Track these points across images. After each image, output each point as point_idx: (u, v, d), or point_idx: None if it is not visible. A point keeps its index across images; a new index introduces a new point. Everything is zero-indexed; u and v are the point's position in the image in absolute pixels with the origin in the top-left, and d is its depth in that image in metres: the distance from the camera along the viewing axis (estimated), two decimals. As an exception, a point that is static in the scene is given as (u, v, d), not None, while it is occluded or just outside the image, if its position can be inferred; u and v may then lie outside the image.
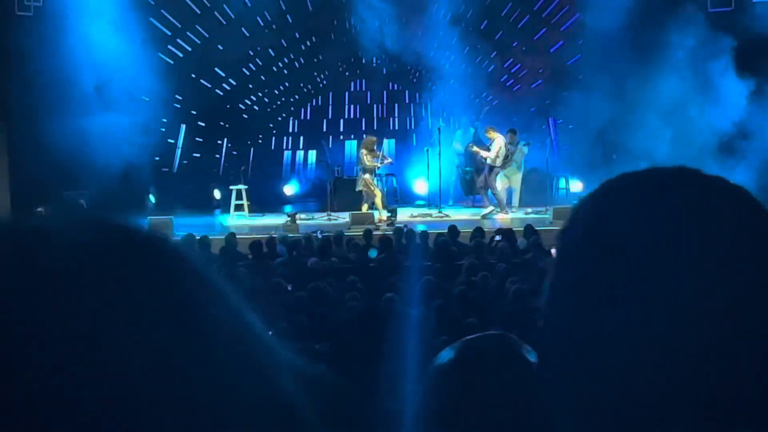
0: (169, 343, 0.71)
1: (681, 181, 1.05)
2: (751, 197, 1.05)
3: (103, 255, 0.73)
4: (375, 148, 19.36)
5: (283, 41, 22.81)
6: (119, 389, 0.68)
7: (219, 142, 23.27)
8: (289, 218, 17.67)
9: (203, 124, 22.78)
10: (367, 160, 19.10)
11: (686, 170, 1.06)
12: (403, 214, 19.35)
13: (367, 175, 19.11)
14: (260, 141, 23.93)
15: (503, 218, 18.80)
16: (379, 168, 19.39)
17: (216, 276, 0.79)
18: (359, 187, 19.32)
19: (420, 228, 15.98)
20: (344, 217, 18.64)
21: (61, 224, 0.75)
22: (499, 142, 19.51)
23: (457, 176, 21.64)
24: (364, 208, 19.13)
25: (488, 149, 19.72)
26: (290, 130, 24.27)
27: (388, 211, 18.73)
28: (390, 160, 20.15)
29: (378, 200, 19.27)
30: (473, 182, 21.29)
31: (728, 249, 0.98)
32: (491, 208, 19.54)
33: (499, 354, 1.79)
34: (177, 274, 0.76)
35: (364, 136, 22.65)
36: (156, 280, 0.74)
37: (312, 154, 24.02)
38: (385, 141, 22.06)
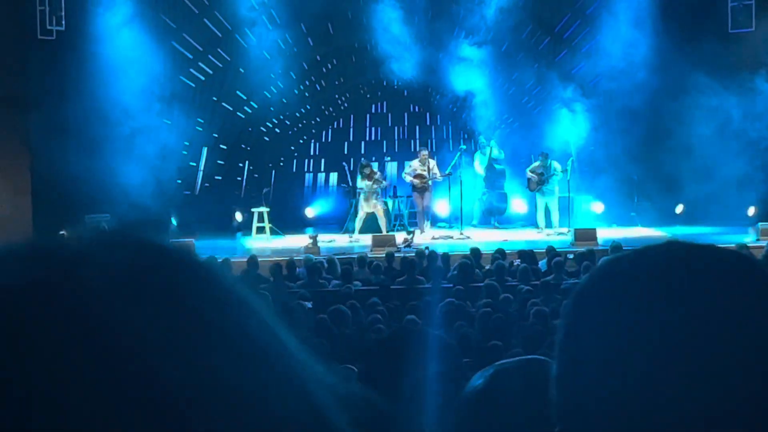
0: (208, 356, 0.72)
1: (678, 255, 1.13)
2: (742, 258, 1.13)
3: (140, 273, 0.75)
4: (369, 172, 19.56)
5: (304, 64, 22.87)
6: (162, 403, 0.69)
7: (240, 164, 23.32)
8: (310, 240, 17.70)
9: (225, 147, 22.84)
10: (363, 184, 19.60)
11: (676, 244, 1.14)
12: (425, 236, 19.36)
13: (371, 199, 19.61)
14: (282, 163, 23.98)
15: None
16: (375, 188, 19.62)
17: (246, 291, 0.80)
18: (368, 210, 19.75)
19: (441, 250, 15.96)
20: (366, 239, 18.64)
21: (96, 245, 0.76)
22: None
23: (479, 199, 21.61)
24: (383, 227, 19.35)
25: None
26: (311, 152, 24.30)
27: (407, 233, 18.72)
28: (386, 183, 20.26)
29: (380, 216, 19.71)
30: (491, 205, 21.35)
31: (731, 309, 1.05)
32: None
33: (531, 378, 1.79)
34: (210, 289, 0.78)
35: (386, 158, 22.76)
36: (191, 295, 0.76)
37: (333, 177, 24.06)
38: (407, 163, 22.05)
